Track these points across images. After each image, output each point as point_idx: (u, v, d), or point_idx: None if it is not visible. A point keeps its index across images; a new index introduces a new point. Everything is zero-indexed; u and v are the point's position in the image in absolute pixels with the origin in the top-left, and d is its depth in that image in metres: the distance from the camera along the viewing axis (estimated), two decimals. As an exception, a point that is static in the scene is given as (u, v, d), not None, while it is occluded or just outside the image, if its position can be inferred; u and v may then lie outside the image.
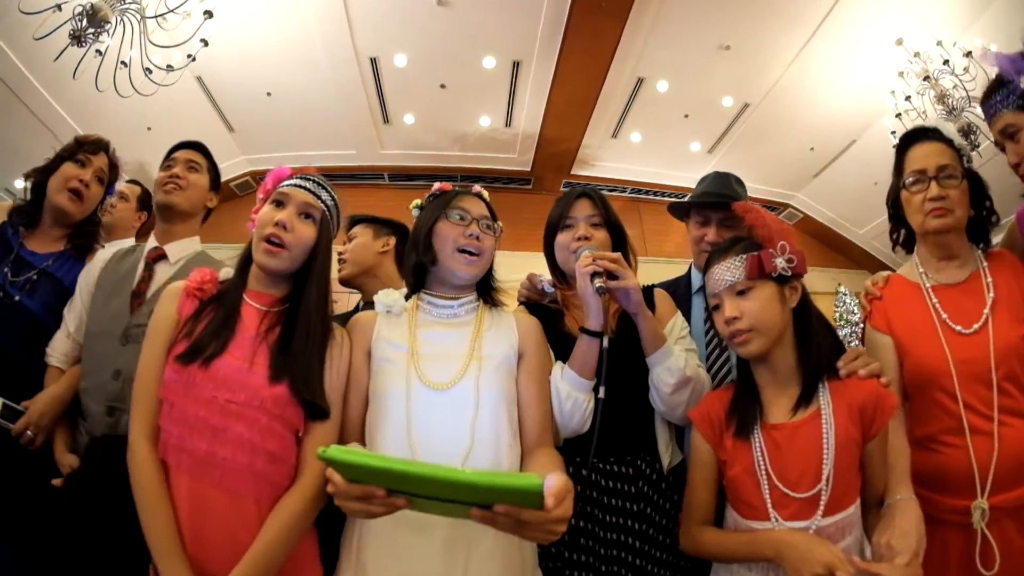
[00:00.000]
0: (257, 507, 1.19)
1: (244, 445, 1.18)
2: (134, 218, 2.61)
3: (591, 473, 1.49)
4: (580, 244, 1.58)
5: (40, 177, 1.91)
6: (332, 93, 5.48)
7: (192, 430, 1.18)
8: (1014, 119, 1.52)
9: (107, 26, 3.68)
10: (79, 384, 1.67)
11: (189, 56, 4.15)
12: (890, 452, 1.39)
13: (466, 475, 0.89)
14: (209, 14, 3.96)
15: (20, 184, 2.05)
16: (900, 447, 1.43)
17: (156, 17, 3.85)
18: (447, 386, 1.30)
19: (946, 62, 4.35)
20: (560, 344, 1.53)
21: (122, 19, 3.81)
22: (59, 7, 3.54)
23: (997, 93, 1.55)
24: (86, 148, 1.94)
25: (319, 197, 1.38)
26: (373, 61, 5.18)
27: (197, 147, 1.95)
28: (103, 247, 1.95)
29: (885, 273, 1.72)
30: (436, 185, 1.53)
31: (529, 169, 6.57)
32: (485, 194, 1.53)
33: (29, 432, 1.62)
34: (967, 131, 4.29)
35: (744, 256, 1.41)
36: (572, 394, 1.42)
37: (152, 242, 1.84)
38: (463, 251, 1.40)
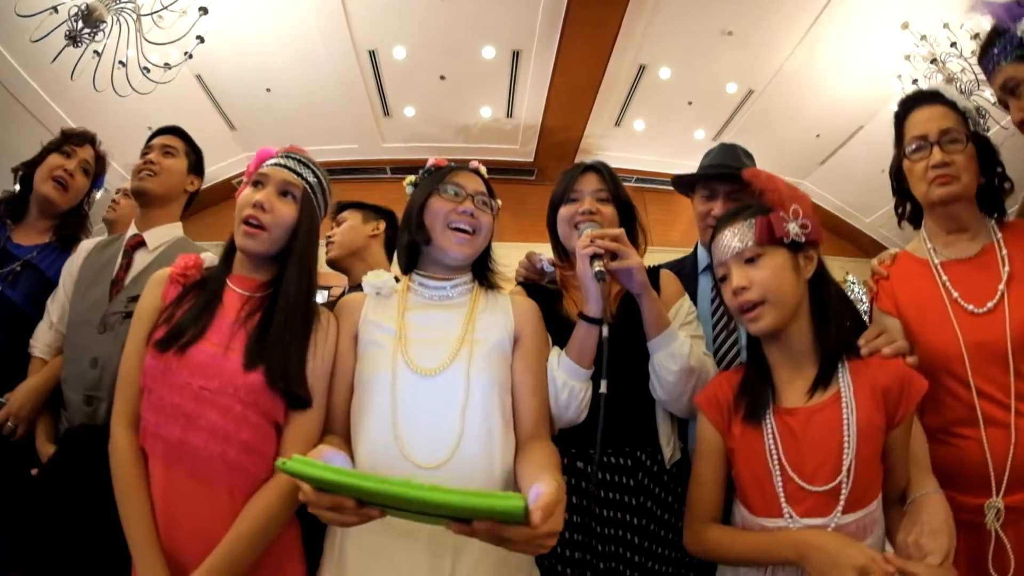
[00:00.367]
0: (231, 498, 1.15)
1: (217, 434, 1.15)
2: (136, 215, 2.61)
3: (597, 470, 1.41)
4: (584, 219, 1.48)
5: (27, 169, 1.95)
6: (332, 87, 5.47)
7: (167, 417, 1.16)
8: (1014, 71, 1.37)
9: (103, 26, 3.69)
10: (60, 374, 1.68)
11: (186, 53, 4.16)
12: (912, 442, 1.26)
13: (439, 495, 0.80)
14: (204, 10, 3.96)
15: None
16: (919, 438, 1.30)
17: (151, 15, 3.85)
18: (435, 372, 1.22)
19: (953, 44, 4.27)
20: (557, 328, 1.44)
21: (118, 19, 3.81)
22: (55, 9, 3.55)
23: (994, 45, 1.41)
24: (72, 140, 1.97)
25: (300, 175, 1.32)
26: (372, 54, 5.16)
27: (174, 131, 1.93)
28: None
29: (893, 251, 1.59)
30: (431, 160, 1.44)
31: (532, 160, 6.54)
32: (483, 169, 1.44)
33: (9, 423, 1.64)
34: (976, 115, 4.21)
35: (753, 221, 1.27)
36: (568, 383, 1.33)
37: (132, 230, 1.82)
38: (456, 228, 1.32)
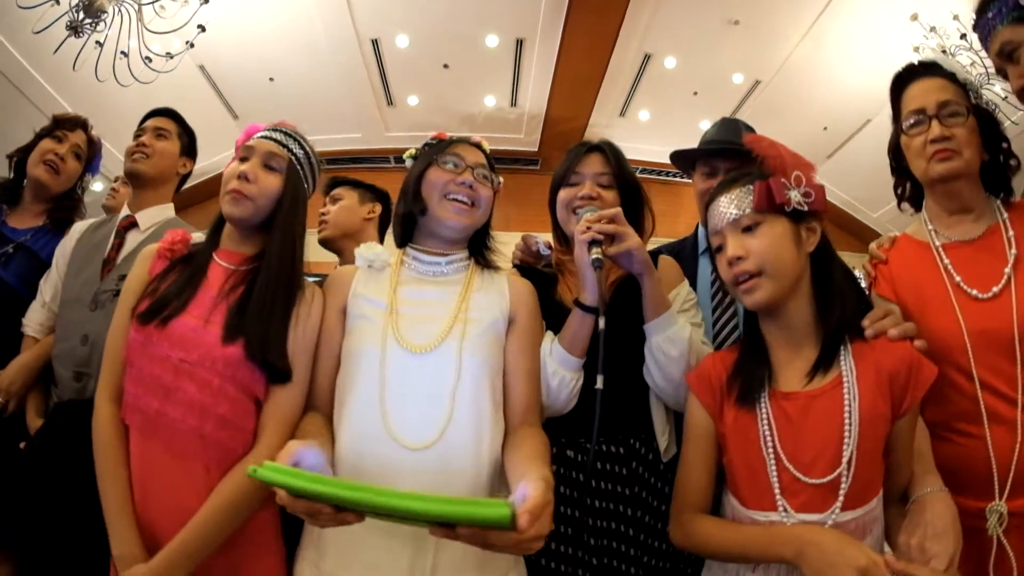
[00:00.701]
0: (206, 473, 1.14)
1: (194, 407, 1.14)
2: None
3: (577, 454, 1.37)
4: (583, 204, 1.41)
5: (21, 155, 1.99)
6: (335, 76, 5.44)
7: (147, 389, 1.16)
8: (1011, 35, 1.28)
9: (104, 16, 3.68)
10: (51, 352, 1.71)
11: (187, 43, 4.15)
12: (916, 435, 1.17)
13: (421, 503, 0.77)
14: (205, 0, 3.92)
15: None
16: (921, 434, 1.21)
17: (152, 3, 3.83)
18: (426, 349, 1.18)
19: (963, 36, 4.21)
20: (550, 312, 1.39)
21: (119, 9, 3.80)
22: (56, 0, 3.53)
23: (989, 8, 1.32)
24: (63, 125, 2.01)
25: (285, 146, 1.30)
26: (374, 42, 5.13)
27: (167, 114, 1.95)
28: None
29: (892, 234, 1.49)
30: (432, 134, 1.41)
31: (536, 149, 6.50)
32: (485, 144, 1.39)
33: (0, 398, 1.68)
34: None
35: (751, 187, 1.18)
36: (559, 371, 1.29)
37: (125, 210, 1.85)
38: (454, 199, 1.28)
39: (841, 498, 1.06)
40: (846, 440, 1.08)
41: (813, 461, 1.09)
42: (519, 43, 5.15)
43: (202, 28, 4.06)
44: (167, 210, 1.89)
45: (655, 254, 1.52)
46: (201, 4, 3.96)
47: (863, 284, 1.48)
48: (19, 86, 4.48)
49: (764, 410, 1.15)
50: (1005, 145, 1.36)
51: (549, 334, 1.36)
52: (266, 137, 1.31)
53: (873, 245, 1.50)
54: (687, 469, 1.24)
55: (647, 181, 6.71)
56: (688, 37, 5.02)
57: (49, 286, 1.80)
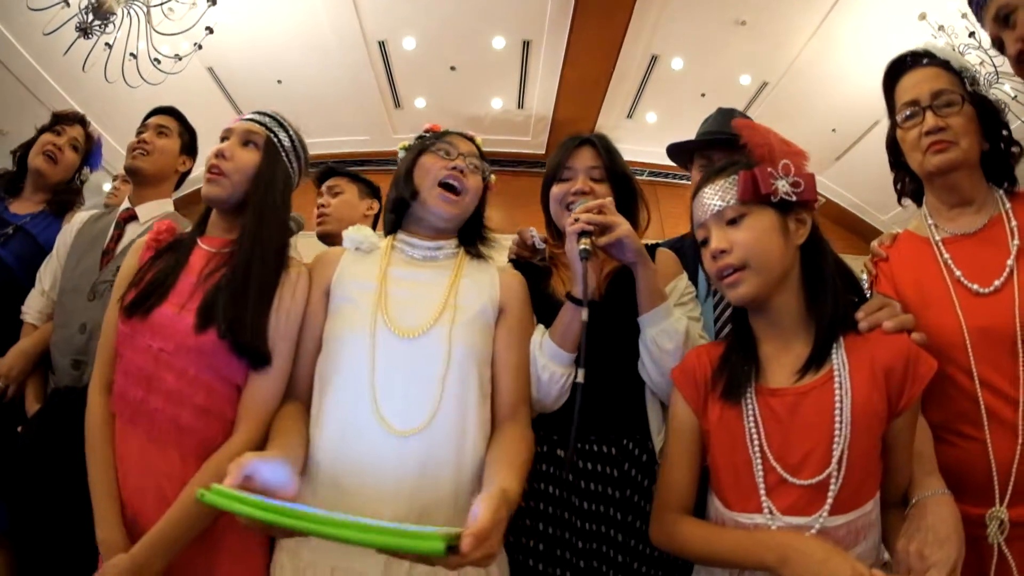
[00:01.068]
0: (183, 463, 1.14)
1: (172, 396, 1.14)
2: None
3: (570, 455, 1.32)
4: (575, 199, 1.38)
5: (23, 151, 2.11)
6: (342, 79, 5.47)
7: (132, 380, 1.17)
8: None
9: (113, 18, 3.73)
10: (50, 339, 1.75)
11: (196, 44, 4.18)
12: (915, 435, 1.11)
13: (358, 534, 0.77)
14: (212, 1, 3.97)
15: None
16: (922, 434, 1.16)
17: (160, 5, 3.86)
18: (416, 334, 1.16)
19: (972, 34, 4.17)
20: (542, 306, 1.37)
21: (128, 11, 3.84)
22: (67, 2, 3.59)
23: None
24: (62, 120, 2.13)
25: (263, 124, 1.31)
26: (381, 44, 5.15)
27: (169, 112, 1.99)
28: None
29: (894, 231, 1.44)
30: (426, 125, 1.43)
31: (544, 152, 6.48)
32: (478, 139, 1.41)
33: (0, 384, 1.73)
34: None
35: (736, 177, 1.13)
36: (549, 366, 1.27)
37: (125, 204, 1.91)
38: (444, 185, 1.27)
39: (830, 500, 1.00)
40: (836, 438, 1.02)
41: (802, 461, 1.03)
42: (526, 45, 5.15)
43: (210, 30, 4.10)
44: (166, 204, 1.94)
45: (653, 248, 1.50)
46: (209, 6, 3.98)
47: (865, 283, 1.43)
48: (30, 87, 4.54)
49: (750, 406, 1.10)
50: (1006, 132, 1.31)
51: (540, 328, 1.33)
52: (245, 119, 1.32)
53: (875, 243, 1.46)
54: (669, 468, 1.19)
55: (655, 184, 6.68)
56: (695, 38, 5.00)
57: (49, 274, 1.85)
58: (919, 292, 1.29)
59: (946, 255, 1.29)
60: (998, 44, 1.32)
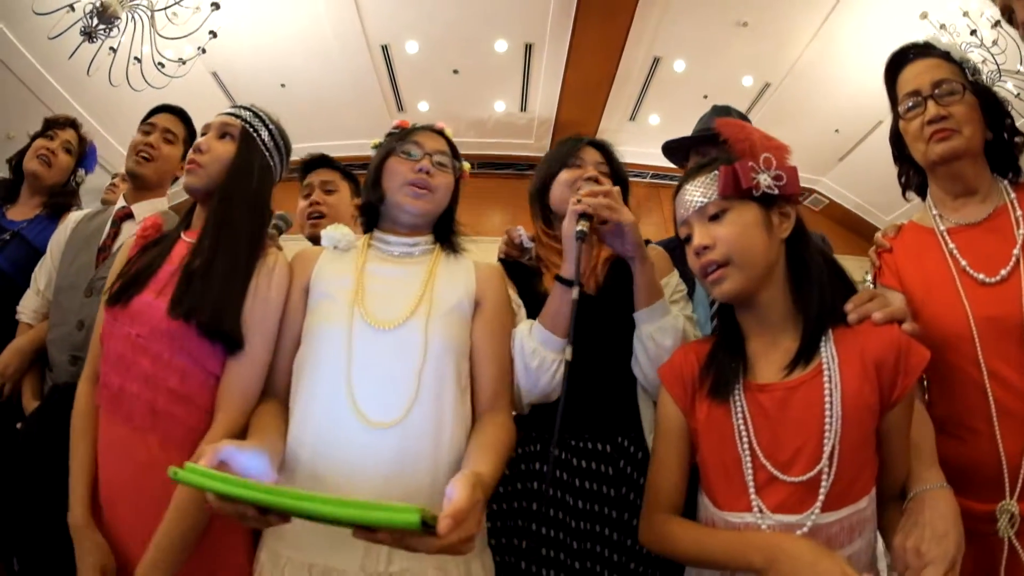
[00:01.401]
0: (162, 450, 1.13)
1: (148, 381, 1.15)
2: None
3: (561, 452, 1.32)
4: (588, 183, 1.39)
5: (18, 158, 2.14)
6: (346, 82, 5.48)
7: (111, 367, 1.18)
8: None
9: (117, 22, 3.75)
10: (47, 336, 1.76)
11: (199, 48, 4.19)
12: (913, 429, 1.08)
13: (334, 507, 0.77)
14: (216, 6, 4.00)
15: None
16: (922, 426, 1.14)
17: (164, 10, 3.88)
18: (393, 325, 1.15)
19: (973, 32, 4.17)
20: (533, 306, 1.36)
21: (132, 16, 3.87)
22: (72, 7, 3.61)
23: None
24: (54, 125, 2.17)
25: (239, 117, 1.33)
26: (384, 48, 5.16)
27: (178, 113, 1.99)
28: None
29: (898, 223, 1.43)
30: (394, 122, 1.42)
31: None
32: (447, 131, 1.40)
33: None
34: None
35: (717, 172, 1.11)
36: (539, 351, 1.24)
37: (121, 202, 1.92)
38: (411, 185, 1.27)
39: (822, 497, 0.97)
40: (827, 433, 0.99)
41: (792, 457, 1.01)
42: (528, 48, 5.16)
43: (213, 34, 4.13)
44: (161, 203, 1.95)
45: (645, 243, 1.47)
46: (213, 10, 4.01)
47: (868, 275, 1.44)
48: (35, 91, 4.57)
49: (739, 403, 1.08)
50: (1009, 121, 1.30)
51: (528, 320, 1.32)
52: (224, 113, 1.34)
53: (878, 234, 1.45)
54: (658, 467, 1.17)
55: (658, 186, 6.69)
56: (697, 40, 5.01)
57: (43, 274, 1.86)
58: (924, 283, 1.28)
59: (951, 245, 1.27)
60: (1007, 15, 1.31)
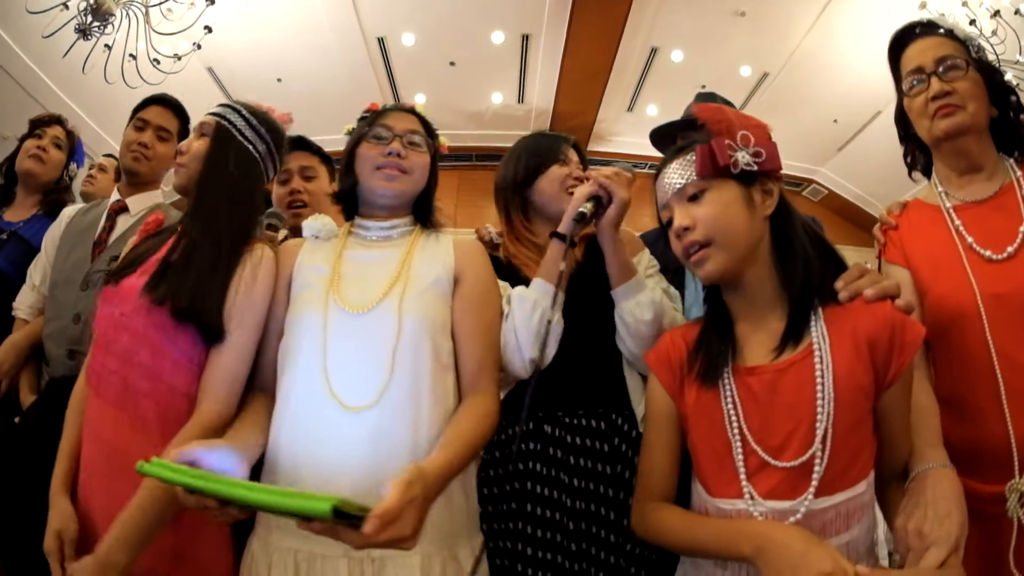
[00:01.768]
0: (132, 430, 1.14)
1: (124, 356, 1.16)
2: (113, 188, 2.78)
3: (554, 428, 1.32)
4: (576, 183, 1.44)
5: (8, 162, 2.18)
6: (342, 76, 5.45)
7: (98, 346, 1.21)
8: None
9: (112, 19, 3.73)
10: (43, 331, 1.77)
11: (194, 44, 4.17)
12: (915, 409, 1.05)
13: (255, 494, 0.79)
14: (211, 1, 3.96)
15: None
16: (926, 404, 1.11)
17: (158, 5, 3.87)
18: (365, 309, 1.15)
19: (972, 22, 4.16)
20: None
21: (127, 12, 3.85)
22: (65, 5, 3.59)
23: None
24: (40, 124, 2.20)
25: (215, 114, 1.33)
26: (380, 41, 5.14)
27: (171, 107, 1.97)
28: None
29: (903, 199, 1.41)
30: (367, 105, 1.40)
31: (544, 147, 6.47)
32: (419, 108, 1.38)
33: None
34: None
35: (694, 153, 1.09)
36: (540, 303, 1.25)
37: (115, 195, 1.92)
38: (382, 168, 1.26)
39: (815, 482, 0.94)
40: (819, 416, 0.96)
41: (784, 442, 0.98)
42: (525, 39, 5.14)
43: (208, 29, 4.09)
44: (155, 196, 1.96)
45: None
46: (207, 5, 3.97)
47: (874, 252, 1.43)
48: (30, 90, 4.54)
49: (728, 387, 1.05)
50: (1014, 99, 1.29)
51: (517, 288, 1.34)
52: (208, 113, 1.36)
53: (883, 211, 1.43)
54: (648, 455, 1.16)
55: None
56: (694, 30, 4.98)
57: (38, 270, 1.88)
58: (930, 259, 1.26)
59: (957, 222, 1.26)
60: None
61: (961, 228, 1.25)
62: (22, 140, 2.18)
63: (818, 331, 1.02)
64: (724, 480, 1.02)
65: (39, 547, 1.16)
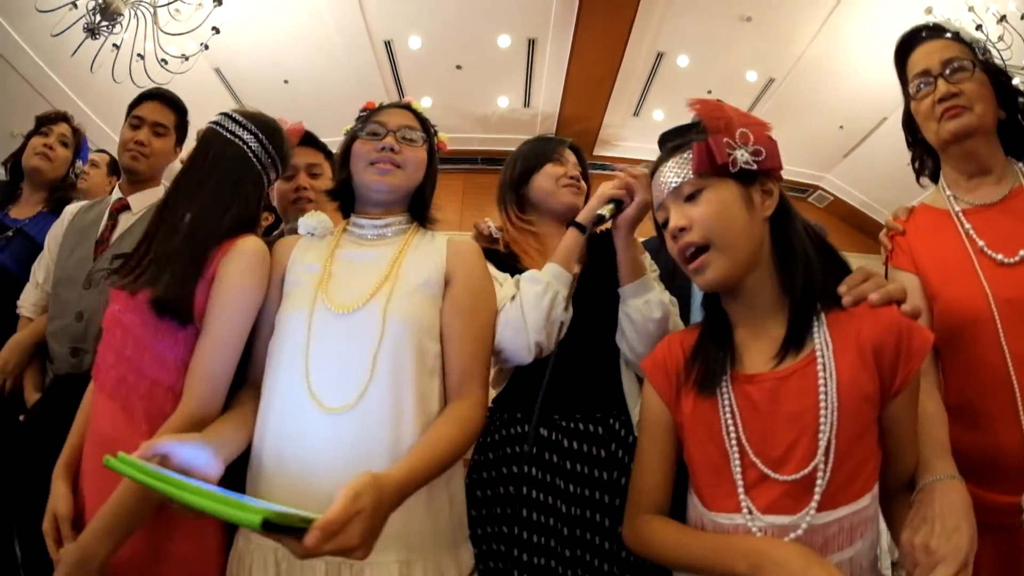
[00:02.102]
0: (131, 420, 1.16)
1: (118, 351, 1.19)
2: (105, 183, 2.81)
3: (551, 432, 1.31)
4: (572, 183, 1.53)
5: (14, 159, 2.21)
6: (349, 78, 5.46)
7: (102, 341, 1.24)
8: None
9: (120, 19, 3.76)
10: (47, 329, 1.78)
11: (202, 44, 4.20)
12: (922, 418, 1.00)
13: (194, 498, 0.78)
14: (219, 2, 3.99)
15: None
16: (934, 413, 1.07)
17: (166, 5, 3.89)
18: (350, 309, 1.14)
19: (979, 27, 4.14)
20: None
21: (135, 12, 3.88)
22: (74, 4, 3.61)
23: None
24: (46, 122, 2.22)
25: (212, 121, 1.35)
26: (387, 44, 5.15)
27: (166, 101, 1.95)
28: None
29: (909, 204, 1.38)
30: (362, 104, 1.41)
31: (550, 151, 6.46)
32: (416, 104, 1.37)
33: None
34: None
35: (691, 151, 1.05)
36: (553, 285, 1.24)
37: (117, 193, 1.92)
38: (376, 163, 1.25)
39: (817, 496, 0.90)
40: (822, 426, 0.92)
41: (785, 454, 0.93)
42: (531, 43, 5.14)
43: (216, 30, 4.12)
44: (157, 192, 1.94)
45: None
46: (215, 6, 4.00)
47: (881, 259, 1.40)
48: (38, 88, 4.56)
49: (726, 396, 1.00)
50: (1021, 101, 1.28)
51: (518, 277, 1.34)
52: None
53: (889, 217, 1.40)
54: (641, 465, 1.11)
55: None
56: (701, 35, 4.97)
57: (41, 268, 1.89)
58: (940, 264, 1.24)
59: (967, 225, 1.23)
60: None
61: (972, 232, 1.22)
62: (28, 137, 2.20)
63: (821, 337, 0.97)
64: (721, 493, 0.97)
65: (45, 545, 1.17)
